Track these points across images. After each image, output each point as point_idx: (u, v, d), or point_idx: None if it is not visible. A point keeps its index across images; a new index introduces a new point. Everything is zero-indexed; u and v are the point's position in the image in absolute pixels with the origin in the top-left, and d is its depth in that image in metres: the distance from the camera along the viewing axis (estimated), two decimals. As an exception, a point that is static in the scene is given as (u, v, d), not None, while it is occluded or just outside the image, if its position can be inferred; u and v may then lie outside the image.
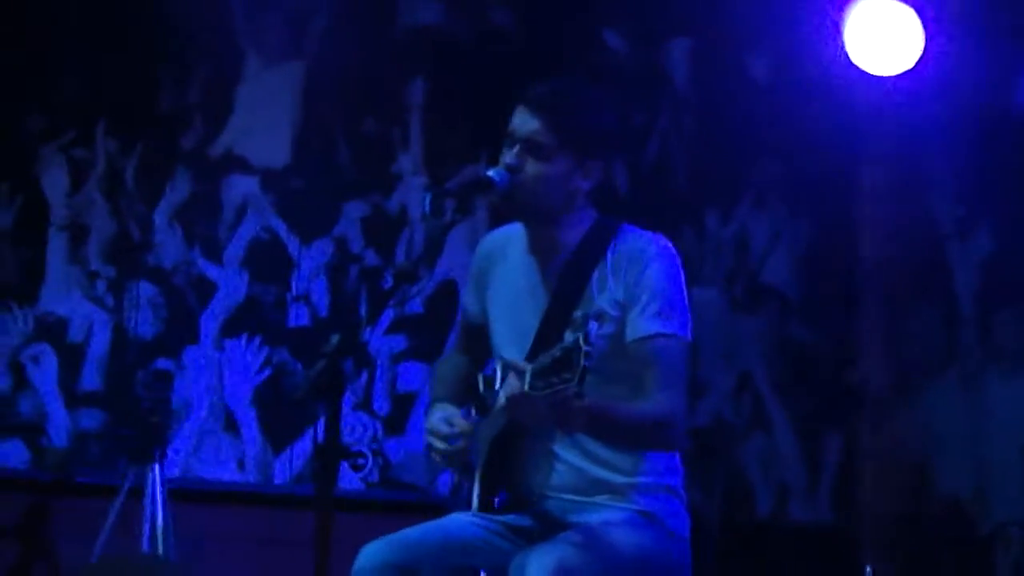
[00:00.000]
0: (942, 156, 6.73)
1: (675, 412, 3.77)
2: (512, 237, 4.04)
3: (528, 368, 3.47)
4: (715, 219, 7.09)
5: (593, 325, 3.37)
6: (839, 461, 6.93)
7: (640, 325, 3.79)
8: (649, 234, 3.91)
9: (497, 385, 3.76)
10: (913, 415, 6.72)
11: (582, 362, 3.31)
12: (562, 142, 3.82)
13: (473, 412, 3.99)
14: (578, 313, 3.56)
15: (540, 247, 3.95)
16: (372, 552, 3.78)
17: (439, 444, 3.94)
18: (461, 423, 3.94)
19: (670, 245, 3.89)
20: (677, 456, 3.96)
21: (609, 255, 3.86)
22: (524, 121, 3.84)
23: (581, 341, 3.32)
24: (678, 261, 3.88)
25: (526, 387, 3.46)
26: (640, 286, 3.80)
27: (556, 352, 3.40)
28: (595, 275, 3.85)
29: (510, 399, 3.54)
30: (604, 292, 3.83)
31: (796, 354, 7.02)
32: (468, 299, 4.19)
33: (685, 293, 3.86)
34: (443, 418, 3.97)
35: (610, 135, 3.96)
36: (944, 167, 6.77)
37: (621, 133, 4.00)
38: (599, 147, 3.90)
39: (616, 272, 3.84)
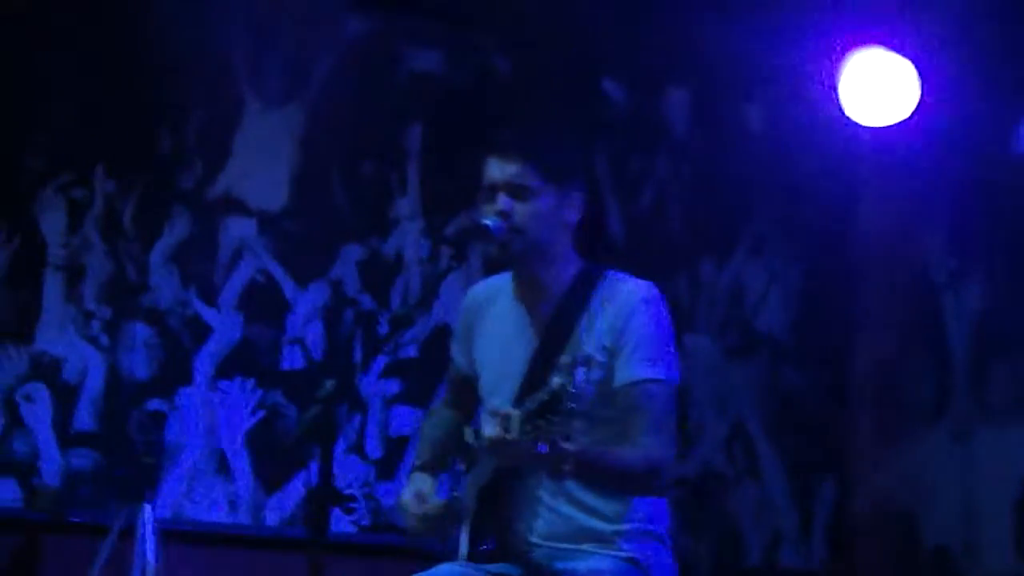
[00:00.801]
0: (937, 207, 6.76)
1: (662, 457, 3.81)
2: (499, 287, 4.08)
3: (515, 413, 3.49)
4: (710, 267, 7.11)
5: (580, 370, 3.40)
6: (830, 509, 6.93)
7: (628, 370, 3.82)
8: (635, 280, 3.96)
9: (484, 432, 3.78)
10: (903, 465, 6.73)
11: (568, 404, 3.34)
12: (544, 178, 3.87)
13: (459, 466, 4.03)
14: (565, 358, 3.58)
15: (527, 294, 3.98)
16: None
17: (411, 521, 3.99)
18: (430, 503, 3.98)
19: (656, 290, 3.93)
20: (663, 502, 3.98)
21: (595, 301, 3.90)
22: (500, 168, 3.89)
23: (568, 385, 3.35)
24: (664, 305, 3.92)
25: (515, 433, 3.48)
26: (627, 331, 3.84)
27: (543, 396, 3.43)
28: (582, 321, 3.88)
29: (496, 442, 3.55)
30: (591, 337, 3.85)
31: (788, 401, 7.03)
32: (456, 351, 4.21)
33: (672, 337, 3.90)
34: (415, 493, 4.01)
35: (583, 162, 4.03)
36: (939, 218, 6.79)
37: (593, 158, 4.07)
38: (576, 176, 3.96)
39: (603, 317, 3.87)
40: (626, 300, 3.88)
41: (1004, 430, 6.56)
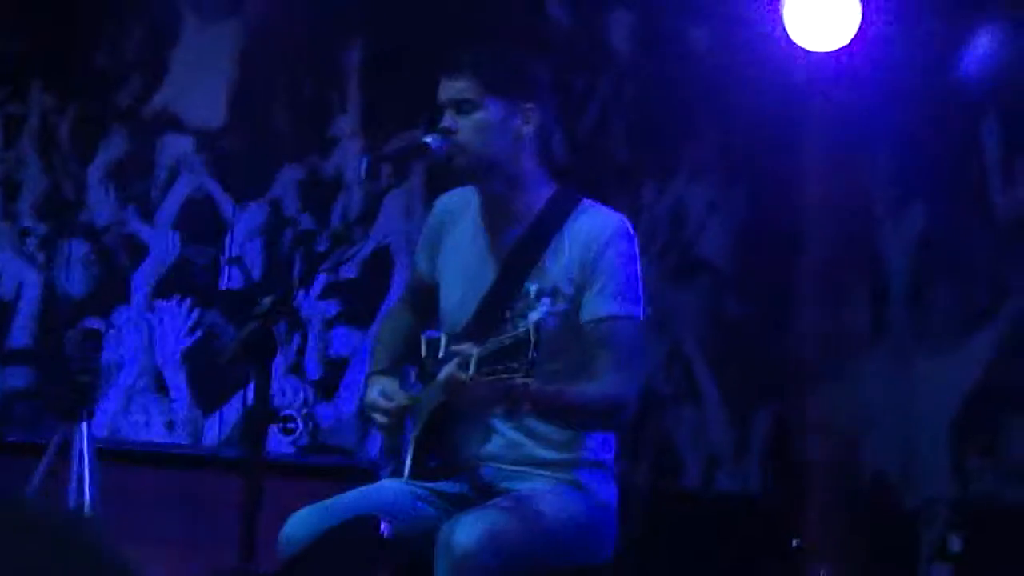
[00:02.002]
0: (877, 132, 6.76)
1: (627, 394, 3.79)
2: (468, 199, 4.02)
3: (474, 353, 3.43)
4: (651, 189, 7.10)
5: (546, 301, 3.37)
6: (768, 433, 6.96)
7: (596, 306, 3.78)
8: (609, 211, 3.91)
9: (441, 353, 3.75)
10: (843, 389, 6.76)
11: (531, 354, 3.30)
12: (487, 90, 3.81)
13: (413, 377, 3.99)
14: (531, 286, 3.55)
15: (495, 212, 3.93)
16: (301, 519, 3.78)
17: (380, 417, 3.95)
18: (399, 396, 3.94)
19: (629, 224, 3.88)
20: (612, 433, 3.98)
21: (567, 229, 3.85)
22: (448, 87, 3.85)
23: (532, 332, 3.30)
24: (636, 242, 3.87)
25: (471, 372, 3.43)
26: (598, 266, 3.78)
27: (506, 340, 3.36)
28: (551, 248, 3.83)
29: (452, 383, 3.50)
30: (559, 266, 3.81)
31: (728, 327, 7.04)
32: (419, 257, 4.17)
33: (639, 274, 3.86)
34: (381, 392, 3.97)
35: (535, 75, 3.95)
36: (880, 141, 6.79)
37: (545, 71, 4.00)
38: (526, 88, 3.89)
39: (573, 248, 3.82)
40: (599, 232, 3.82)
41: (942, 355, 6.59)
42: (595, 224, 3.84)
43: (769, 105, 6.85)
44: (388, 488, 3.94)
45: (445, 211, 4.11)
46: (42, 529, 1.82)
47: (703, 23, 6.99)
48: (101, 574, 1.82)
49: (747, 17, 6.70)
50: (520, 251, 3.86)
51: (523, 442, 3.88)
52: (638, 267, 3.86)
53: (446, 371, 3.50)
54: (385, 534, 3.72)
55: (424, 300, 4.13)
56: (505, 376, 3.35)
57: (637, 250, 3.87)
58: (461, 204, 4.05)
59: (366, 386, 4.08)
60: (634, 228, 3.92)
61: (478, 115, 3.82)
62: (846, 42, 6.36)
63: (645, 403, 6.76)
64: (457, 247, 4.01)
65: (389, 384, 4.00)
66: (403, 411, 3.95)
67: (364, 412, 4.03)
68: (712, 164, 7.10)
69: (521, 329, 3.33)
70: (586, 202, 3.92)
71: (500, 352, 3.37)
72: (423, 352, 3.88)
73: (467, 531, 3.59)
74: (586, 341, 3.78)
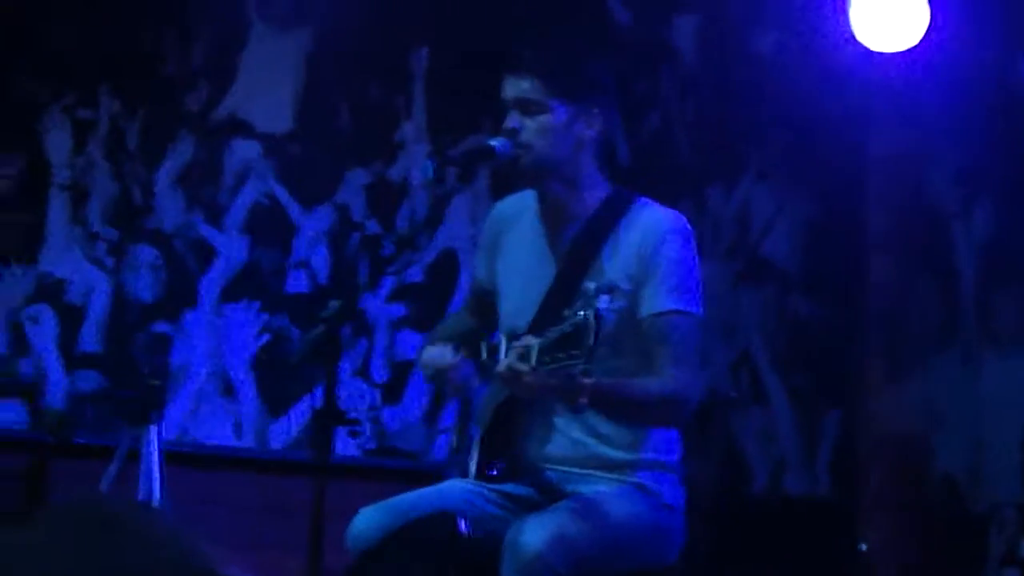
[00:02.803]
0: (947, 134, 6.72)
1: (687, 389, 3.78)
2: (525, 204, 4.03)
3: (535, 343, 3.45)
4: (717, 193, 7.08)
5: (604, 298, 3.36)
6: (836, 436, 6.93)
7: (654, 301, 3.78)
8: (664, 208, 3.91)
9: (501, 355, 3.75)
10: (911, 393, 6.72)
11: (591, 341, 3.30)
12: (553, 92, 3.82)
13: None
14: (590, 284, 3.56)
15: (552, 214, 3.94)
16: (367, 517, 3.79)
17: (432, 370, 3.96)
18: (450, 354, 3.94)
19: (685, 221, 3.89)
20: (677, 433, 3.97)
21: (623, 227, 3.86)
22: (513, 85, 3.86)
23: (592, 319, 3.30)
24: (693, 238, 3.87)
25: (532, 362, 3.44)
26: (655, 261, 3.79)
27: (566, 327, 3.37)
28: (607, 246, 3.84)
29: (513, 373, 3.51)
30: (616, 264, 3.82)
31: (796, 329, 7.01)
32: (478, 263, 4.19)
33: (698, 271, 3.86)
34: (438, 351, 3.97)
35: (600, 79, 3.96)
36: (949, 146, 6.76)
37: (610, 76, 4.00)
38: (592, 91, 3.90)
39: (629, 244, 3.83)
40: (655, 228, 3.83)
41: (1012, 358, 6.55)
42: (651, 221, 3.85)
43: (836, 106, 6.83)
44: (455, 488, 3.95)
45: (502, 216, 4.12)
46: (127, 525, 1.84)
47: (769, 25, 6.98)
48: (185, 570, 1.83)
49: (813, 18, 6.68)
50: (577, 250, 3.88)
51: (586, 441, 3.88)
52: (696, 263, 3.86)
53: (506, 361, 3.52)
54: (464, 531, 3.74)
55: (485, 306, 4.14)
56: (567, 364, 3.36)
57: (695, 247, 3.87)
58: (518, 208, 4.07)
59: (419, 353, 4.11)
60: (699, 230, 3.92)
61: (543, 117, 3.82)
62: (914, 43, 6.33)
63: (712, 406, 6.76)
64: (515, 250, 4.03)
65: (442, 347, 4.00)
66: (458, 370, 3.94)
67: (423, 372, 4.03)
68: (778, 166, 7.08)
69: (581, 317, 3.33)
70: (641, 200, 3.93)
71: (560, 340, 3.38)
72: (483, 355, 3.89)
73: (535, 533, 3.60)
74: (645, 337, 3.78)
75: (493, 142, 3.83)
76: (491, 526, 3.82)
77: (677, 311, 3.78)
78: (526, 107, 3.83)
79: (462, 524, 3.76)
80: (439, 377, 3.98)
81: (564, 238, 3.91)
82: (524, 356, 3.47)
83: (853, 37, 6.42)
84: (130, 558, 1.81)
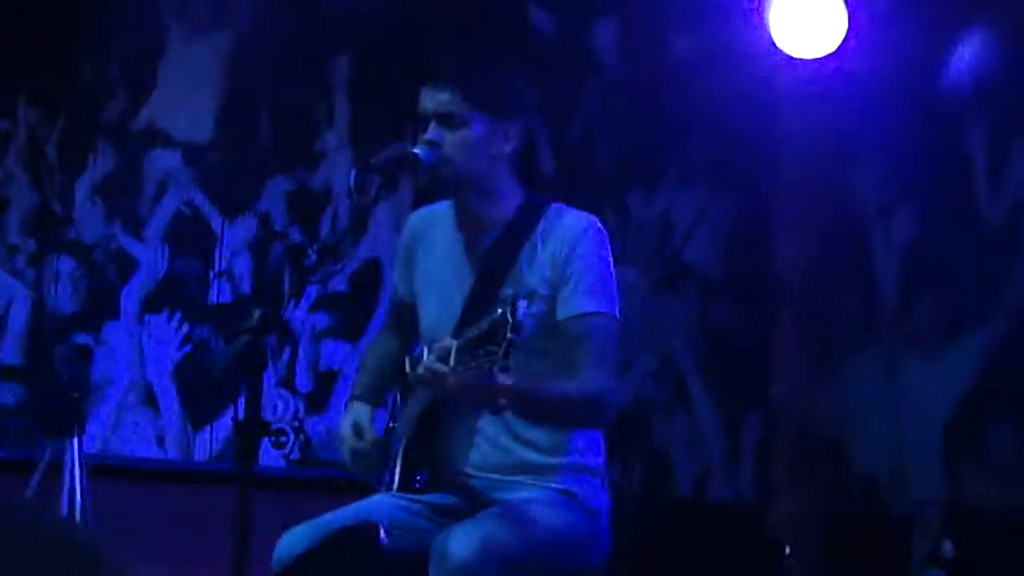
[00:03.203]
0: (864, 139, 6.77)
1: (606, 389, 3.82)
2: (439, 214, 4.04)
3: (453, 344, 3.48)
4: (638, 199, 7.10)
5: (522, 303, 3.38)
6: (758, 440, 6.97)
7: (571, 303, 3.81)
8: (578, 212, 3.94)
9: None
10: (831, 395, 6.76)
11: (508, 335, 3.32)
12: (473, 105, 3.83)
13: (397, 398, 4.01)
14: (507, 290, 3.57)
15: (467, 224, 3.96)
16: (295, 536, 3.78)
17: (347, 454, 3.99)
18: (368, 436, 3.95)
19: (599, 223, 3.92)
20: (599, 436, 3.99)
21: (539, 232, 3.88)
22: (432, 97, 3.86)
23: (508, 315, 3.33)
24: (607, 240, 3.90)
25: (451, 362, 3.47)
26: (570, 264, 3.82)
27: (483, 326, 3.40)
28: (524, 252, 3.86)
29: (433, 374, 3.53)
30: (533, 269, 3.84)
31: (717, 334, 7.04)
32: (396, 277, 4.19)
33: (614, 272, 3.89)
34: (353, 425, 3.99)
35: (521, 93, 4.00)
36: (868, 151, 6.80)
37: (528, 89, 4.03)
38: (510, 106, 3.92)
39: (545, 249, 3.85)
40: (569, 232, 3.86)
41: (932, 360, 6.60)
42: (565, 224, 3.88)
43: (755, 113, 6.86)
44: (380, 502, 3.95)
45: (416, 228, 4.13)
46: (40, 537, 1.82)
47: (688, 31, 7.00)
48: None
49: (732, 24, 6.71)
50: (494, 258, 3.89)
51: (510, 446, 3.88)
52: (611, 264, 3.89)
53: (425, 364, 3.53)
54: (383, 542, 3.73)
55: (405, 319, 4.15)
56: (485, 362, 3.37)
57: (609, 248, 3.90)
58: (432, 219, 4.08)
59: (343, 412, 4.10)
60: (621, 237, 3.95)
61: (463, 131, 3.84)
62: (832, 49, 6.37)
63: (636, 411, 6.78)
64: (432, 261, 4.04)
65: (363, 414, 4.02)
66: (372, 453, 3.96)
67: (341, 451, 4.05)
68: (698, 172, 7.11)
69: (497, 314, 3.35)
70: (555, 205, 3.95)
71: (478, 338, 3.41)
72: (407, 369, 3.89)
73: (461, 541, 3.60)
74: (563, 339, 3.81)
75: (416, 150, 3.83)
76: (417, 537, 3.82)
77: (594, 312, 3.81)
78: (446, 120, 3.84)
79: (382, 535, 3.75)
80: (350, 463, 3.99)
81: (480, 247, 3.93)
82: (443, 357, 3.49)
83: (772, 43, 6.45)
84: (48, 571, 1.79)
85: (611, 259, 3.89)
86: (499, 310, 3.36)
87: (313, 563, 3.71)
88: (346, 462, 4.02)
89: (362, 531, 3.77)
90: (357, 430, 3.98)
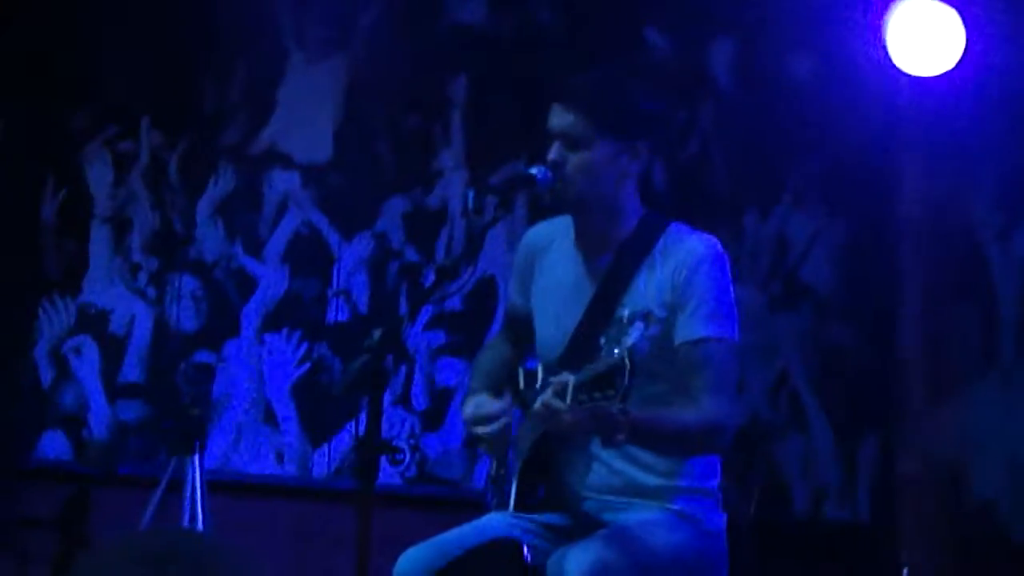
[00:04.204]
0: (982, 157, 6.71)
1: (725, 416, 3.76)
2: (559, 229, 4.03)
3: (571, 381, 3.44)
4: (754, 218, 7.08)
5: (639, 326, 3.37)
6: (876, 461, 6.91)
7: (690, 328, 3.77)
8: (699, 233, 3.90)
9: (538, 384, 3.75)
10: (951, 419, 6.70)
11: (626, 381, 3.29)
12: (600, 128, 3.81)
13: (510, 400, 3.99)
14: (624, 311, 3.55)
15: (587, 240, 3.94)
16: (413, 557, 3.79)
17: (480, 429, 3.93)
18: (495, 407, 3.93)
19: (720, 246, 3.87)
20: (716, 459, 3.96)
21: (658, 253, 3.85)
22: (559, 116, 3.84)
23: (627, 358, 3.29)
24: (727, 263, 3.86)
25: (568, 400, 3.44)
26: (690, 288, 3.78)
27: (600, 367, 3.36)
28: (642, 272, 3.84)
29: (549, 411, 3.49)
30: (651, 290, 3.81)
31: (834, 354, 7.00)
32: (512, 289, 4.19)
33: (733, 295, 3.85)
34: (477, 405, 3.97)
35: (648, 113, 3.93)
36: (984, 169, 6.74)
37: (660, 111, 3.99)
38: (639, 127, 3.88)
39: (664, 270, 3.82)
40: (689, 254, 3.81)
41: (1054, 382, 6.53)
42: (685, 246, 3.84)
43: (872, 131, 6.83)
44: (496, 522, 3.95)
45: (536, 242, 4.12)
46: (186, 558, 1.87)
47: (805, 50, 6.97)
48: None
49: (849, 43, 6.68)
50: (612, 276, 3.87)
51: (625, 470, 3.87)
52: (731, 288, 3.84)
53: (543, 399, 3.51)
54: (528, 560, 3.75)
55: (520, 331, 4.14)
56: (602, 402, 3.36)
57: (729, 271, 3.85)
58: (552, 234, 4.07)
59: (462, 405, 4.09)
60: (736, 256, 3.92)
61: (587, 153, 3.82)
62: (950, 67, 6.32)
63: (751, 431, 6.76)
64: (550, 275, 4.03)
65: (484, 399, 3.99)
66: (503, 420, 3.92)
67: (467, 431, 4.03)
68: (815, 191, 7.07)
69: (616, 356, 3.32)
70: (675, 225, 3.92)
71: (595, 379, 3.37)
72: (521, 384, 3.89)
73: (576, 563, 3.59)
74: (681, 364, 3.77)
75: (533, 170, 3.83)
76: (535, 558, 3.82)
77: (713, 338, 3.76)
78: (570, 141, 3.83)
79: (526, 552, 3.76)
80: (486, 438, 3.96)
81: (599, 264, 3.91)
82: (560, 393, 3.46)
83: (890, 62, 6.41)
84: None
85: (731, 283, 3.85)
86: (617, 351, 3.32)
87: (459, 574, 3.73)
88: (479, 440, 3.95)
89: (507, 547, 3.78)
90: (483, 408, 3.94)
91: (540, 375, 3.81)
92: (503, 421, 3.91)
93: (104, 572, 1.82)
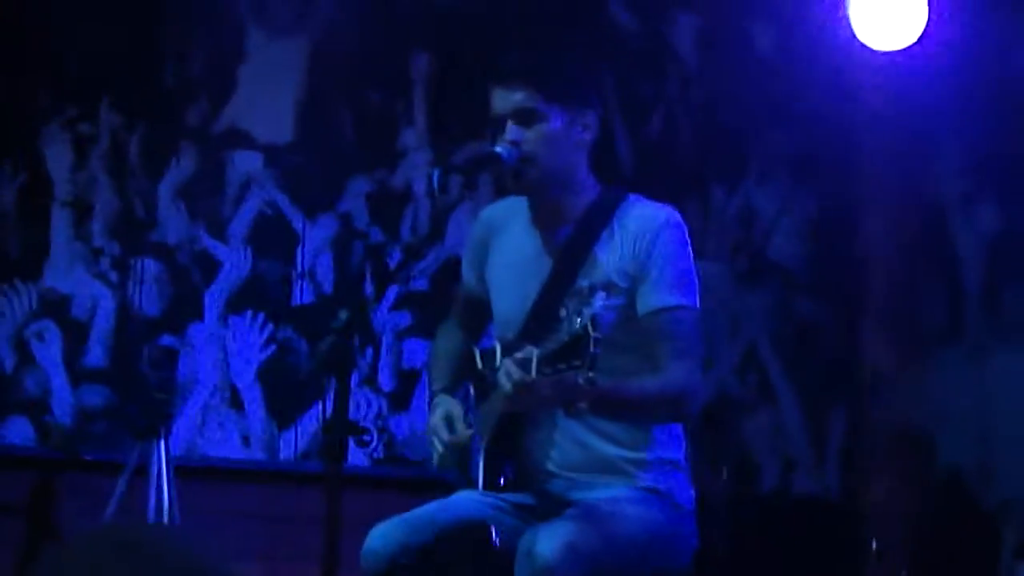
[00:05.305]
0: (946, 130, 6.73)
1: (690, 384, 3.78)
2: (515, 208, 4.02)
3: (535, 353, 3.45)
4: (720, 192, 7.08)
5: (600, 296, 3.36)
6: (844, 435, 6.93)
7: (652, 297, 3.78)
8: (656, 204, 3.91)
9: (497, 362, 3.74)
10: (917, 389, 6.72)
11: (592, 349, 3.29)
12: (548, 98, 3.81)
13: (471, 397, 3.99)
14: (584, 282, 3.55)
15: (545, 216, 3.93)
16: (382, 532, 3.77)
17: (438, 446, 3.94)
18: (461, 430, 3.93)
19: (678, 215, 3.88)
20: (679, 428, 3.96)
21: (616, 224, 3.85)
22: (505, 98, 3.85)
23: (589, 327, 3.30)
24: (686, 232, 3.87)
25: (533, 373, 3.44)
26: (650, 257, 3.79)
27: (564, 337, 3.37)
28: (602, 243, 3.83)
29: (515, 385, 3.49)
30: (611, 261, 3.81)
31: (801, 327, 7.01)
32: (467, 270, 4.17)
33: (694, 263, 3.86)
34: (444, 416, 3.96)
35: (591, 81, 3.98)
36: (948, 141, 6.76)
37: (605, 78, 4.02)
38: (585, 95, 3.90)
39: (624, 242, 3.82)
40: (648, 225, 3.82)
41: (1019, 351, 6.55)
42: (644, 216, 3.85)
43: (836, 105, 6.83)
44: (466, 500, 3.94)
45: (491, 221, 4.11)
46: (144, 548, 1.84)
47: (768, 25, 6.98)
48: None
49: (812, 18, 6.69)
50: (570, 248, 3.86)
51: (591, 442, 3.86)
52: (691, 256, 3.86)
53: (510, 374, 3.50)
54: (495, 542, 3.73)
55: (473, 314, 4.16)
56: (568, 373, 3.35)
57: (688, 240, 3.86)
58: (507, 213, 4.06)
59: (431, 407, 4.08)
60: (703, 230, 3.93)
61: (542, 126, 3.82)
62: (913, 40, 6.33)
63: (723, 409, 6.76)
64: (508, 253, 4.01)
65: (454, 408, 3.99)
66: (460, 447, 3.93)
67: (428, 437, 4.02)
68: (780, 166, 7.08)
69: (579, 325, 3.32)
70: (632, 196, 3.93)
71: (560, 350, 3.38)
72: (479, 364, 3.87)
73: (548, 542, 3.58)
74: (645, 333, 3.78)
75: (498, 149, 3.82)
76: (506, 536, 3.81)
77: (676, 306, 3.78)
78: (523, 117, 3.82)
79: (494, 535, 3.75)
80: (439, 457, 3.96)
81: (558, 237, 3.90)
82: (524, 367, 3.47)
83: (853, 35, 6.42)
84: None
85: (690, 251, 3.86)
86: (579, 320, 3.33)
87: (427, 561, 3.71)
88: (435, 456, 3.97)
89: (476, 530, 3.77)
90: (449, 421, 3.96)
91: (498, 353, 3.78)
92: (456, 449, 3.91)
93: (72, 565, 1.80)
